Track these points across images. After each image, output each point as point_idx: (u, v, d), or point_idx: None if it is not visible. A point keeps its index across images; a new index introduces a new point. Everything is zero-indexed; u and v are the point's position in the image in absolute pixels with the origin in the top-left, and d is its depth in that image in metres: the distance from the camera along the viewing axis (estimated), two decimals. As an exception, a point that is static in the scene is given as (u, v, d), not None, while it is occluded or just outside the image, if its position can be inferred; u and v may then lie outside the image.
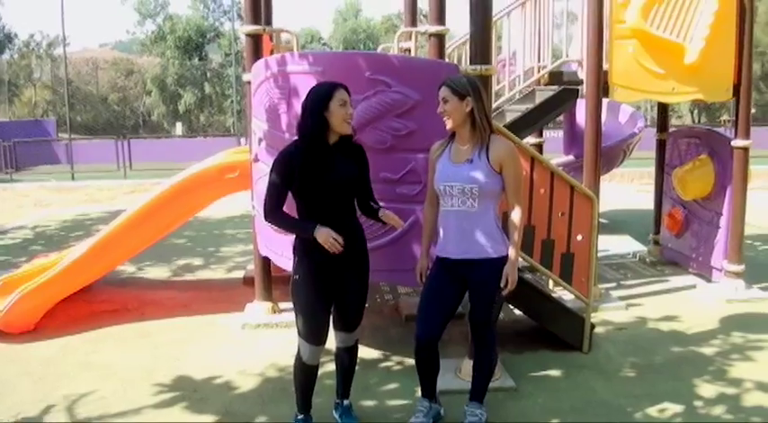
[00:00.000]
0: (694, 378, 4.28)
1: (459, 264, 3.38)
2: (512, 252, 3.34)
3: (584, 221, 4.62)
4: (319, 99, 3.27)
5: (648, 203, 10.54)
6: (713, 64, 5.65)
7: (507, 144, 3.39)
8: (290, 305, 5.55)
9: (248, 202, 5.37)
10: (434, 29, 5.21)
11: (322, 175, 3.27)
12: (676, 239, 7.02)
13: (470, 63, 4.04)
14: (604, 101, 5.89)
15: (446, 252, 3.42)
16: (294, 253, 3.46)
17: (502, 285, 3.32)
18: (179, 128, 38.18)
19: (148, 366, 4.59)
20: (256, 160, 4.98)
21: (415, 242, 4.20)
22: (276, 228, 4.71)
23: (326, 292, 3.40)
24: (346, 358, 3.65)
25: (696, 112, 41.16)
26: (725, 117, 42.20)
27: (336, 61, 4.34)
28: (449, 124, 3.35)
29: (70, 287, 5.63)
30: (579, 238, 4.64)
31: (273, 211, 3.34)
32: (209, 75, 42.91)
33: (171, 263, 7.68)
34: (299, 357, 3.47)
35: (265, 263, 5.39)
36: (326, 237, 3.17)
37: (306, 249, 3.38)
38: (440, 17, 5.23)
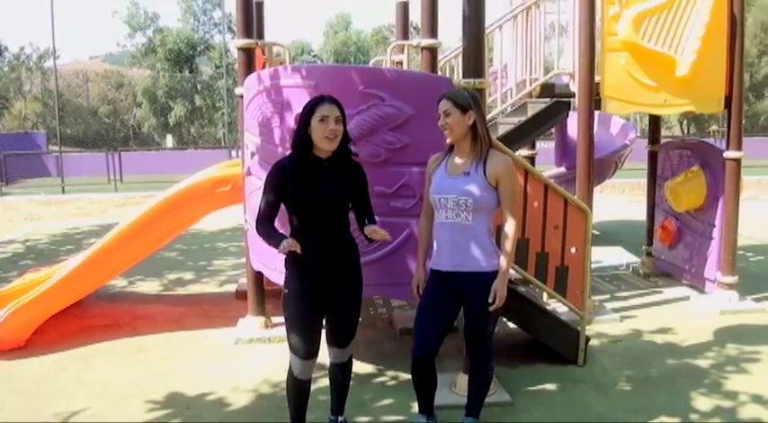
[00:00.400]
0: (690, 391, 4.26)
1: (452, 276, 3.36)
2: (503, 261, 3.32)
3: (578, 234, 4.61)
4: (303, 115, 3.28)
5: (641, 214, 10.54)
6: (704, 76, 5.67)
7: (505, 159, 3.38)
8: (283, 319, 5.60)
9: (241, 215, 5.33)
10: (427, 42, 5.19)
11: (309, 191, 3.26)
12: (669, 251, 7.03)
13: (463, 76, 4.03)
14: (596, 113, 5.90)
15: (439, 264, 3.40)
16: (285, 266, 3.44)
17: (490, 300, 3.29)
18: (170, 140, 38.14)
19: (141, 383, 4.54)
20: (249, 174, 4.95)
21: (410, 256, 4.18)
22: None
23: (317, 305, 3.37)
24: (339, 374, 3.61)
25: (685, 122, 41.48)
26: (714, 127, 42.57)
27: (329, 75, 4.32)
28: (450, 138, 3.34)
29: (62, 302, 5.57)
30: (573, 250, 4.63)
31: (260, 223, 3.34)
32: (199, 87, 42.94)
33: (162, 277, 7.62)
34: (290, 372, 3.44)
35: (258, 277, 5.35)
36: (285, 250, 3.15)
37: (296, 263, 3.36)
38: (432, 30, 5.22)
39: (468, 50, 3.99)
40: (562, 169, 8.54)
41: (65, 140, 37.44)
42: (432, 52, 5.23)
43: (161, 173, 18.88)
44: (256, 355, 5.04)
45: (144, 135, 44.31)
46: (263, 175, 4.69)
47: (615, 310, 5.95)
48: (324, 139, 3.24)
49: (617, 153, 8.80)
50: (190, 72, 43.08)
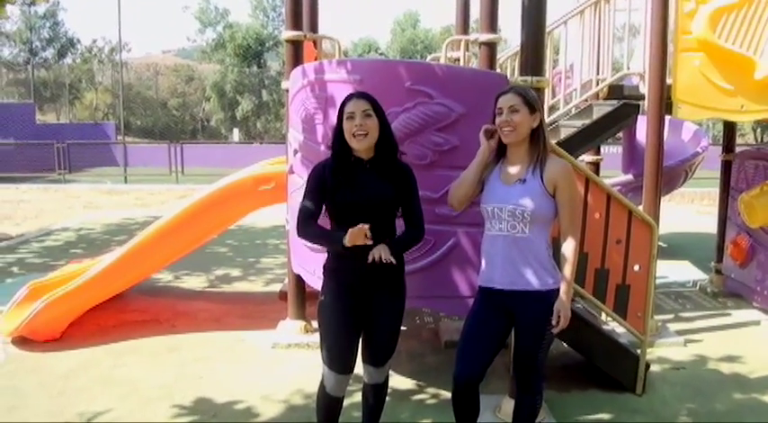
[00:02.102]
0: (759, 431, 3.85)
1: (505, 295, 3.02)
2: (564, 288, 2.97)
3: (642, 250, 4.22)
4: (338, 116, 3.06)
5: (710, 227, 9.95)
6: (787, 80, 5.18)
7: (563, 164, 3.04)
8: (323, 325, 5.40)
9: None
10: (485, 37, 4.90)
11: (346, 195, 3.02)
12: (740, 270, 6.51)
13: (521, 74, 3.71)
14: (666, 118, 5.48)
15: (491, 281, 3.07)
16: (324, 272, 3.20)
17: (554, 323, 2.96)
18: (236, 134, 38.62)
19: (170, 385, 4.38)
20: (291, 172, 4.75)
21: (455, 267, 3.89)
22: (309, 243, 4.50)
23: (355, 316, 3.11)
24: (372, 397, 3.32)
25: (759, 130, 39.59)
26: (789, 136, 40.55)
27: (375, 70, 4.05)
28: (511, 137, 2.98)
29: (99, 296, 5.49)
30: (636, 268, 4.24)
31: (303, 225, 3.09)
32: (266, 82, 43.34)
33: (209, 272, 7.52)
34: (322, 386, 3.19)
35: (299, 279, 5.15)
36: (354, 237, 2.85)
37: (334, 268, 3.13)
38: (491, 25, 4.92)
39: (527, 45, 3.65)
40: (629, 176, 8.07)
41: (134, 132, 38.40)
42: (491, 48, 4.95)
43: (224, 166, 19.01)
44: (292, 361, 4.83)
45: (212, 128, 45.01)
46: (305, 174, 4.48)
47: (679, 333, 5.50)
48: (352, 138, 3.00)
49: (688, 161, 8.26)
50: (258, 67, 43.54)
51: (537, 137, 2.99)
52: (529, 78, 3.62)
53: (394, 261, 2.91)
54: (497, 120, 2.99)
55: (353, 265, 3.03)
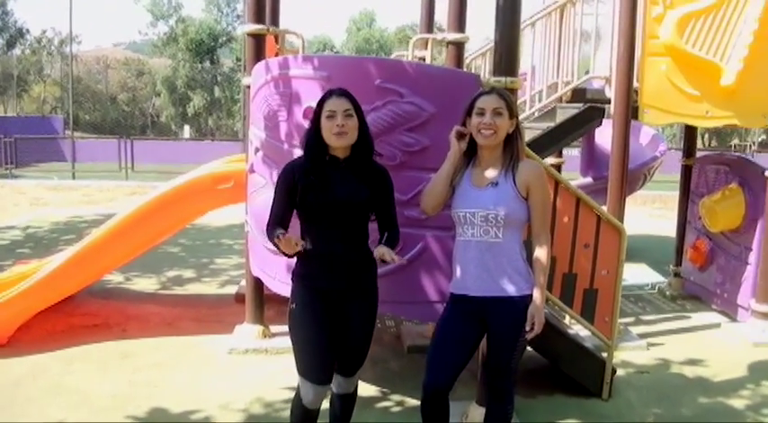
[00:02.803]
0: (726, 436, 3.83)
1: (478, 302, 2.92)
2: (537, 295, 2.88)
3: (610, 255, 4.18)
4: (315, 112, 2.93)
5: (664, 230, 10.10)
6: (751, 87, 5.21)
7: (536, 166, 2.97)
8: (282, 328, 5.20)
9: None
10: (453, 36, 4.79)
11: (319, 195, 2.88)
12: (700, 273, 6.57)
13: (494, 74, 3.61)
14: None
15: (464, 289, 2.95)
16: (292, 278, 3.05)
17: (527, 328, 2.86)
18: (187, 131, 37.94)
19: (123, 394, 4.16)
20: (252, 171, 4.56)
21: (424, 271, 3.77)
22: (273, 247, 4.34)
23: (328, 323, 2.97)
24: (340, 407, 3.21)
25: (707, 135, 40.66)
26: (735, 141, 41.76)
27: (344, 66, 3.92)
28: (491, 140, 2.87)
29: (48, 299, 5.20)
30: (604, 272, 4.19)
31: (270, 226, 2.95)
32: (219, 78, 42.74)
33: (160, 274, 7.25)
34: (298, 400, 3.03)
35: (257, 283, 4.95)
36: (285, 244, 2.76)
37: (304, 274, 2.98)
38: (459, 24, 4.82)
39: (501, 45, 3.55)
40: (588, 179, 8.10)
41: (83, 126, 37.38)
42: (458, 48, 4.84)
43: (175, 163, 18.61)
44: (251, 368, 4.65)
45: (162, 124, 44.18)
46: (267, 174, 4.34)
47: (641, 336, 5.50)
48: (332, 136, 2.87)
49: (647, 165, 8.34)
50: (211, 63, 42.90)
51: (512, 140, 2.90)
52: (503, 79, 3.53)
53: (403, 260, 2.91)
54: (476, 120, 2.87)
55: (325, 271, 2.90)
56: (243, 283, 6.53)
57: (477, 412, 3.76)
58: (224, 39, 43.31)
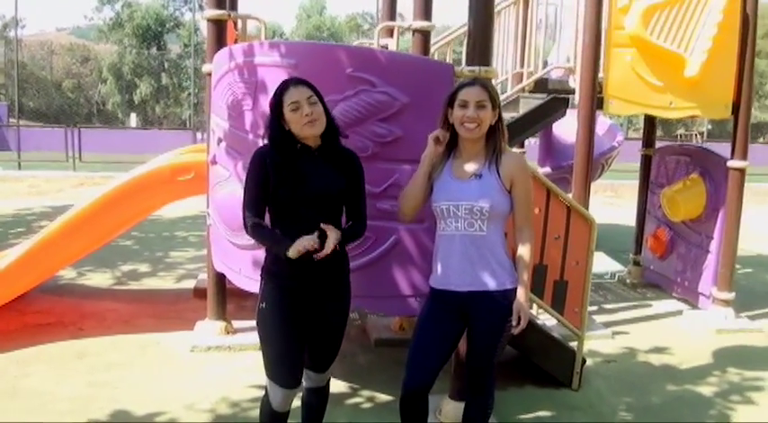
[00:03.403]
0: (696, 424, 3.87)
1: (461, 297, 2.84)
2: (521, 291, 2.82)
3: (580, 246, 4.16)
4: (274, 107, 2.78)
5: (618, 218, 10.24)
6: (714, 78, 5.28)
7: (519, 158, 2.90)
8: (245, 324, 5.06)
9: (204, 205, 4.78)
10: (419, 24, 4.69)
11: (295, 188, 2.74)
12: (660, 262, 6.66)
13: (467, 64, 3.52)
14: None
15: (447, 284, 2.87)
16: (263, 275, 2.91)
17: (513, 323, 2.80)
18: (134, 119, 37.07)
19: (83, 396, 3.96)
20: (214, 162, 4.40)
21: (397, 265, 3.69)
22: (235, 240, 4.18)
23: (300, 323, 2.84)
24: (316, 400, 3.11)
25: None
26: (681, 131, 42.78)
27: (313, 54, 3.78)
28: (475, 133, 2.78)
29: (2, 297, 4.95)
30: (575, 264, 4.18)
31: (253, 225, 2.79)
32: (166, 65, 41.84)
33: (115, 268, 7.00)
34: (266, 404, 2.91)
35: (219, 278, 4.79)
36: (298, 251, 2.62)
37: (275, 271, 2.83)
38: (425, 11, 4.72)
39: (475, 33, 3.47)
40: (547, 169, 8.14)
41: (27, 114, 36.13)
42: (424, 36, 4.74)
43: (123, 152, 18.12)
44: (215, 365, 4.50)
45: (108, 112, 43.05)
46: (231, 165, 4.18)
47: (605, 325, 5.54)
48: (304, 127, 2.73)
49: (605, 155, 8.40)
50: (158, 49, 41.95)
51: (495, 132, 2.82)
52: (476, 68, 3.45)
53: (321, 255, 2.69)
54: (459, 112, 2.77)
55: (297, 268, 2.75)
56: (201, 277, 6.37)
57: (451, 406, 3.71)
58: (171, 24, 42.41)
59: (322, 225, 2.69)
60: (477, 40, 3.48)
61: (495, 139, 2.81)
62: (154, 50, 41.79)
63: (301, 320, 2.83)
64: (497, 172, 2.78)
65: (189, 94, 33.22)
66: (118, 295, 6.12)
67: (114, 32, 41.65)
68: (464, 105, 2.76)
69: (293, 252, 2.62)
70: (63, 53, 42.83)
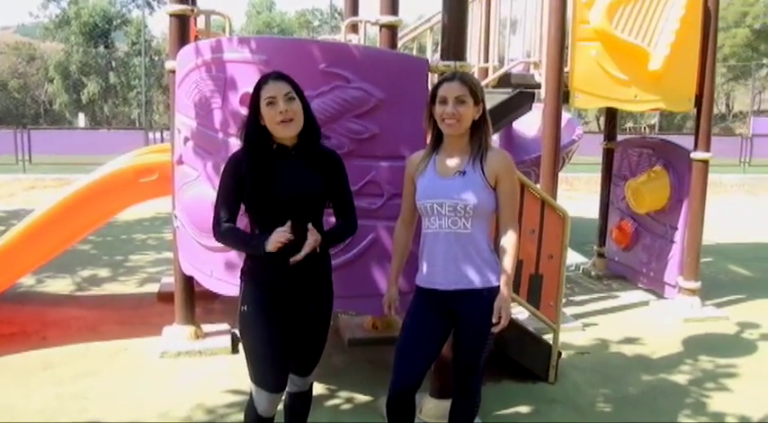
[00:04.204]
0: (674, 412, 3.91)
1: (446, 296, 2.79)
2: (504, 283, 2.78)
3: (555, 240, 4.17)
4: (252, 102, 2.67)
5: (576, 210, 10.34)
6: (677, 72, 5.36)
7: (504, 155, 2.84)
8: (215, 328, 4.97)
9: (162, 203, 4.64)
10: (387, 19, 4.66)
11: (269, 189, 2.65)
12: (624, 253, 6.74)
13: (442, 58, 3.49)
14: (539, 105, 5.50)
15: (432, 282, 2.82)
16: (242, 278, 2.82)
17: (494, 321, 2.76)
18: (82, 119, 36.22)
19: (52, 408, 3.81)
20: (180, 163, 4.27)
21: (374, 264, 3.64)
22: (204, 242, 4.07)
23: (283, 326, 2.76)
24: (299, 405, 3.03)
25: (602, 118, 42.31)
26: (629, 124, 43.70)
27: (284, 49, 3.68)
28: (455, 129, 2.73)
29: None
30: (549, 257, 4.19)
31: (220, 228, 2.70)
32: (114, 64, 41.03)
33: (74, 274, 6.78)
34: (252, 409, 2.81)
35: (187, 281, 4.66)
36: (275, 243, 2.55)
37: (255, 273, 2.74)
38: (392, 6, 4.69)
39: (450, 27, 3.43)
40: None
41: (-31, 115, 35.02)
42: (392, 31, 4.71)
43: (72, 153, 17.63)
44: (186, 371, 4.38)
45: (55, 112, 42.04)
46: (199, 165, 4.06)
47: (575, 317, 5.58)
48: (277, 126, 2.63)
49: (565, 149, 8.42)
50: (105, 47, 41.08)
51: (479, 128, 2.78)
52: (452, 63, 3.41)
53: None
54: (439, 109, 2.72)
55: (278, 269, 2.66)
56: (165, 280, 6.22)
57: (432, 404, 3.69)
58: (118, 22, 41.56)
59: (309, 226, 2.61)
60: (451, 35, 3.44)
61: (480, 135, 2.77)
62: (101, 49, 40.91)
63: (284, 322, 2.76)
64: (482, 169, 2.74)
65: (138, 93, 32.59)
66: (80, 302, 5.92)
67: (61, 30, 40.67)
68: (444, 101, 2.71)
69: (271, 246, 2.54)
70: (8, 52, 41.59)
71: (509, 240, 2.80)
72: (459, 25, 3.46)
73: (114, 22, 41.24)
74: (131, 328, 5.16)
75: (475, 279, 2.76)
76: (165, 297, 5.57)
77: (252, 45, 3.61)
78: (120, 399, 3.95)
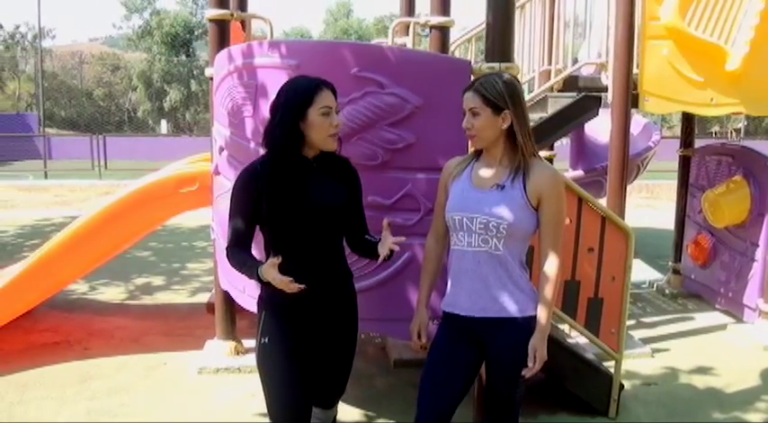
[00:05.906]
0: (749, 459, 3.46)
1: (473, 323, 2.48)
2: (542, 314, 2.45)
3: (617, 259, 3.78)
4: (295, 104, 2.41)
5: (653, 222, 9.77)
6: (758, 72, 4.83)
7: (552, 172, 2.48)
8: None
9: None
10: (437, 20, 4.40)
11: (295, 202, 2.42)
12: (701, 270, 6.21)
13: (486, 60, 3.18)
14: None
15: (455, 306, 2.52)
16: (260, 306, 2.59)
17: (529, 364, 2.44)
18: (164, 126, 37.28)
19: (80, 425, 3.71)
20: (217, 173, 4.11)
21: (411, 285, 3.34)
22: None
23: (305, 359, 2.53)
24: None
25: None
26: (716, 128, 41.74)
27: (316, 53, 3.46)
28: (477, 144, 2.47)
29: (7, 314, 4.74)
30: (610, 279, 3.80)
31: (230, 249, 2.49)
32: (195, 72, 42.07)
33: (128, 282, 6.77)
34: None
35: (228, 295, 4.50)
36: (274, 277, 2.27)
37: (274, 301, 2.50)
38: (444, 7, 4.42)
39: (495, 27, 3.12)
40: (579, 172, 7.72)
41: (58, 122, 36.60)
42: (443, 32, 4.44)
43: (151, 159, 18.08)
44: (223, 389, 4.21)
45: (139, 120, 43.42)
46: (232, 176, 3.87)
47: (644, 341, 5.14)
48: (328, 138, 2.45)
49: (640, 156, 7.95)
50: (186, 56, 42.22)
51: (514, 138, 2.45)
52: (496, 65, 3.11)
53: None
54: (463, 121, 2.45)
55: (305, 295, 2.35)
56: (215, 290, 6.09)
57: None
58: (200, 31, 42.59)
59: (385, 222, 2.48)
60: (496, 36, 3.14)
61: (516, 146, 2.44)
62: (183, 58, 42.06)
63: (307, 356, 2.52)
64: (523, 185, 2.42)
65: (218, 100, 33.27)
66: (128, 311, 5.87)
67: (143, 41, 42.05)
68: (464, 114, 2.43)
69: (271, 279, 2.28)
70: (93, 62, 43.30)
71: (551, 267, 2.46)
72: (506, 24, 3.15)
73: (195, 32, 42.33)
74: (175, 340, 5.06)
75: (508, 306, 2.44)
76: (213, 308, 5.42)
77: (282, 49, 3.40)
78: (152, 416, 3.81)
